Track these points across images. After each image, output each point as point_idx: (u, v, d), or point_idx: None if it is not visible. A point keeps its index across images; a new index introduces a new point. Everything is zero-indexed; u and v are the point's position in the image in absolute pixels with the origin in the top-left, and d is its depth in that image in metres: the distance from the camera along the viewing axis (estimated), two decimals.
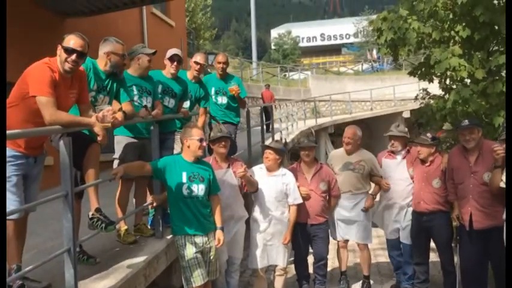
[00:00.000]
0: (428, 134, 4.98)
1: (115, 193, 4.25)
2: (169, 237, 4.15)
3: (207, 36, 24.87)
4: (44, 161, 3.28)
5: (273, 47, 54.62)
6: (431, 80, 6.92)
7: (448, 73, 5.78)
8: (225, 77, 5.84)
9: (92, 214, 3.22)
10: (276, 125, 12.51)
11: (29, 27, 6.85)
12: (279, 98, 20.38)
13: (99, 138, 3.13)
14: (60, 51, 3.05)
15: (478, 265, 4.39)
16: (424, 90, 8.02)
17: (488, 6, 5.44)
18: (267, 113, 12.81)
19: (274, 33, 57.56)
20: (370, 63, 37.44)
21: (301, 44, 55.72)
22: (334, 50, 57.68)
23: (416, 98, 8.38)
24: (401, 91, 23.96)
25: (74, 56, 3.03)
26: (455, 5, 5.50)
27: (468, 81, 6.03)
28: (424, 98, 7.98)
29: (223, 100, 5.83)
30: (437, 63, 5.75)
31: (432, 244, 5.09)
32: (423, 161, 4.99)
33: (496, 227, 4.11)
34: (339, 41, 59.86)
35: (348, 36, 57.85)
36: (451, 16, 5.77)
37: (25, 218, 3.15)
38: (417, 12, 5.82)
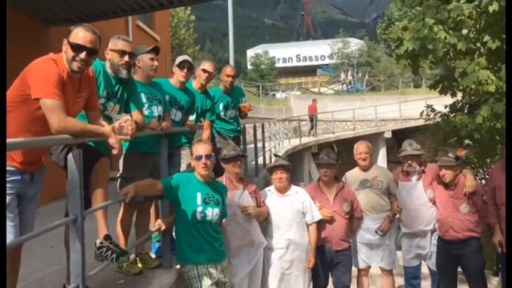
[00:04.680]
0: (450, 154, 4.56)
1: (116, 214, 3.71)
2: (178, 266, 3.63)
3: (190, 53, 24.41)
4: (43, 178, 2.73)
5: (249, 67, 54.65)
6: (454, 94, 6.60)
7: (473, 87, 5.49)
8: (231, 90, 5.44)
9: (101, 242, 2.70)
10: (260, 144, 12.25)
11: (11, 35, 6.28)
12: (261, 117, 20.03)
13: (114, 152, 2.62)
14: (65, 47, 2.55)
15: None
16: (429, 107, 7.75)
17: None
18: (312, 120, 21.77)
19: (251, 52, 57.76)
20: (346, 84, 37.83)
21: (277, 65, 56.06)
22: (309, 71, 58.18)
23: (421, 116, 8.10)
24: (381, 111, 24.12)
25: (83, 54, 2.53)
26: (482, 14, 5.22)
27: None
28: (429, 115, 7.70)
29: (231, 114, 5.43)
30: (463, 75, 5.45)
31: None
32: (447, 185, 4.60)
33: None
34: (314, 62, 60.55)
35: (323, 58, 58.63)
36: (477, 26, 5.49)
37: (19, 246, 2.60)
38: (441, 21, 5.52)
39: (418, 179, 4.86)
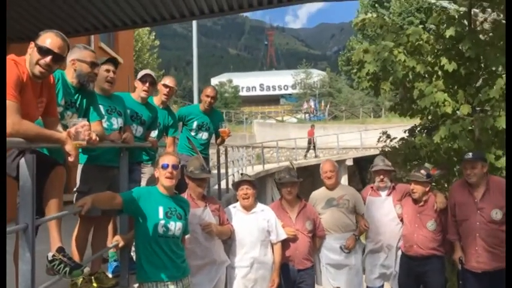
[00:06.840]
0: (423, 171, 4.65)
1: (72, 232, 3.55)
2: (136, 285, 3.48)
3: None
4: None
5: None
6: (412, 116, 6.79)
7: (431, 108, 5.67)
8: (210, 112, 5.39)
9: (53, 255, 2.55)
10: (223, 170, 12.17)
11: None
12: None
13: (70, 159, 2.51)
14: (32, 49, 2.49)
15: None
16: (385, 133, 7.98)
17: (475, 41, 5.46)
18: (310, 143, 23.58)
19: (215, 81, 57.97)
20: (309, 113, 38.54)
21: (240, 93, 56.41)
22: (273, 100, 58.86)
23: (378, 141, 8.29)
24: (342, 140, 24.58)
25: (48, 59, 2.49)
26: (440, 39, 5.44)
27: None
28: (385, 141, 7.90)
29: (203, 136, 5.36)
30: (421, 97, 5.63)
31: None
32: (416, 201, 4.65)
33: (501, 269, 3.78)
34: (277, 92, 61.34)
35: (286, 88, 59.52)
36: (435, 50, 5.71)
37: None
38: (401, 45, 5.72)
39: (388, 194, 4.90)
